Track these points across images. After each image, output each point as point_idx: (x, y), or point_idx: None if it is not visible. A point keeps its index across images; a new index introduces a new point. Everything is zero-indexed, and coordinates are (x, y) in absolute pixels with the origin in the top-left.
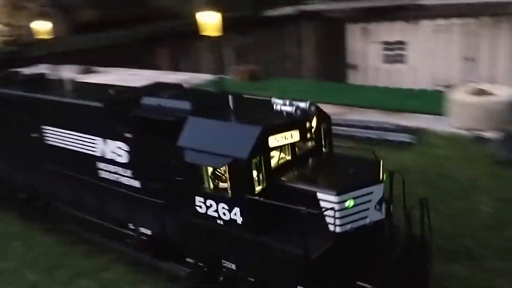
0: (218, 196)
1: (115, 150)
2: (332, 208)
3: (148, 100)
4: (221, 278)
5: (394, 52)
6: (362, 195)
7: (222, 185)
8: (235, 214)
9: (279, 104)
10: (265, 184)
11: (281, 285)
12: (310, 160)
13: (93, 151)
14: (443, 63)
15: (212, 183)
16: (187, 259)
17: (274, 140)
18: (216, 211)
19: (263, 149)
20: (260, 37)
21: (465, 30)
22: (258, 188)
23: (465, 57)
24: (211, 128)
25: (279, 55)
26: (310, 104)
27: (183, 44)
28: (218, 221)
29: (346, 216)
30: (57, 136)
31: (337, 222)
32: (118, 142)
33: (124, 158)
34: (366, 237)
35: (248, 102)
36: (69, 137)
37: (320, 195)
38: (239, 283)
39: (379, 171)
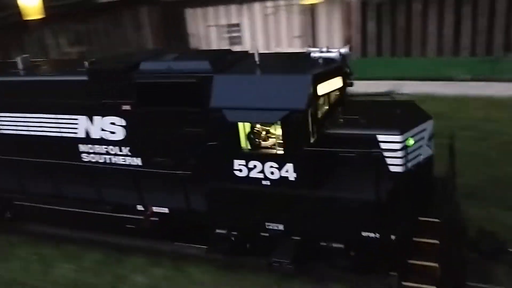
0: (264, 155)
1: (107, 127)
2: (394, 149)
3: (150, 65)
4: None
5: (232, 34)
6: (418, 133)
7: (264, 143)
8: (287, 171)
9: (316, 52)
10: (315, 135)
11: (339, 237)
12: (344, 107)
13: (74, 133)
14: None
15: (251, 143)
16: (217, 231)
17: (322, 88)
18: (262, 171)
19: (314, 99)
20: (99, 24)
21: (292, 10)
22: (312, 140)
23: (295, 35)
24: (247, 84)
25: (119, 41)
26: (350, 49)
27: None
28: (264, 182)
29: (406, 155)
30: (19, 123)
31: (399, 162)
32: (110, 117)
33: (119, 135)
34: (420, 174)
35: (274, 56)
36: (37, 122)
37: (381, 137)
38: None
39: (420, 108)
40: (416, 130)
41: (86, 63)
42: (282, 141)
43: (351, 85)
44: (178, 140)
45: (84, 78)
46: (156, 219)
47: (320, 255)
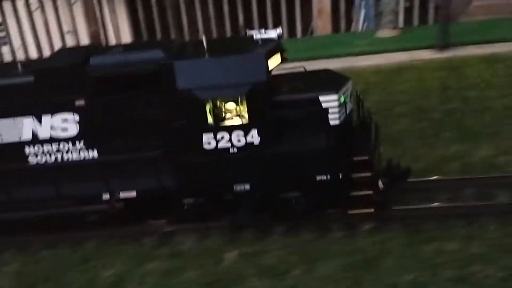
0: (231, 126)
1: (57, 125)
2: (332, 106)
3: (101, 59)
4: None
5: None
6: (345, 91)
7: (229, 116)
8: (252, 137)
9: (258, 34)
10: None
11: (297, 186)
12: (279, 78)
13: (20, 136)
14: (45, 39)
15: (215, 118)
16: (185, 201)
17: (271, 64)
18: (229, 141)
19: (269, 72)
20: None
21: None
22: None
23: (66, 30)
24: (210, 66)
25: None
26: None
27: None
28: (231, 150)
29: (341, 110)
30: None
31: (338, 116)
32: (61, 114)
33: (72, 131)
34: (348, 124)
35: (218, 42)
36: None
37: (322, 98)
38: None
39: (339, 73)
40: (344, 89)
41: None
42: (247, 111)
43: (286, 60)
44: (142, 124)
45: (30, 79)
46: (122, 204)
47: (280, 205)
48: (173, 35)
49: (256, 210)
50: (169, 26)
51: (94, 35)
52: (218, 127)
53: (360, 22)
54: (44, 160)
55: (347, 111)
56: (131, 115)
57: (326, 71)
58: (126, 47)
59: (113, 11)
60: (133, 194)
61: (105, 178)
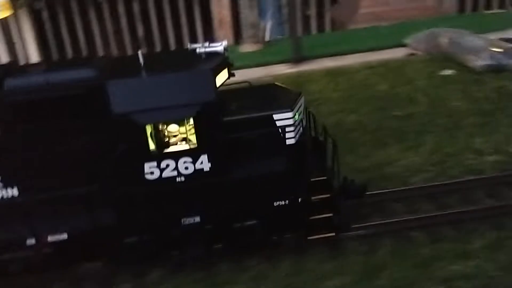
0: (177, 152)
1: None
2: (288, 125)
3: (17, 82)
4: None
5: None
6: (299, 108)
7: (174, 140)
8: (201, 163)
9: (200, 48)
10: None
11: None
12: (227, 95)
13: None
14: None
15: (158, 143)
16: (127, 240)
17: (219, 80)
18: (175, 169)
19: (217, 90)
20: None
21: None
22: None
23: None
24: (149, 85)
25: None
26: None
27: None
28: (178, 179)
29: (296, 128)
30: None
31: (294, 134)
32: None
33: None
34: (304, 141)
35: (155, 57)
36: None
37: (275, 116)
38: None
39: (287, 88)
40: (298, 105)
41: None
42: (195, 134)
43: (233, 75)
44: (71, 155)
45: None
46: (49, 249)
47: (235, 236)
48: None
49: (208, 244)
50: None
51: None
52: (161, 154)
53: (267, 33)
54: None
55: (303, 129)
56: (57, 145)
57: (274, 86)
58: (50, 66)
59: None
60: (64, 236)
61: (29, 220)
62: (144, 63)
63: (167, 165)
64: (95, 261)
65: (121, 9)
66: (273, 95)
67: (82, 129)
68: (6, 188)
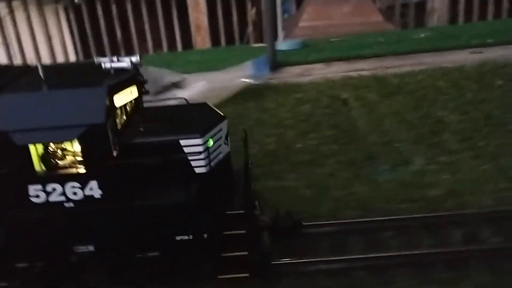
0: (64, 175)
1: None
2: (196, 152)
3: None
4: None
5: None
6: (216, 133)
7: (62, 163)
8: (91, 189)
9: (106, 62)
10: (117, 147)
11: (154, 246)
12: (142, 115)
13: None
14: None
15: (47, 164)
16: (17, 265)
17: (119, 99)
18: (63, 194)
19: (112, 111)
20: None
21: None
22: (114, 153)
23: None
24: (35, 101)
25: None
26: (140, 57)
27: None
28: (67, 205)
29: (208, 155)
30: None
31: (202, 163)
32: None
33: None
34: (222, 170)
35: (61, 69)
36: None
37: (183, 142)
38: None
39: (214, 110)
40: (214, 131)
41: None
42: (82, 159)
43: (147, 93)
44: None
45: None
46: None
47: (138, 266)
48: None
49: (110, 273)
50: None
51: None
52: (46, 177)
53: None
54: None
55: (219, 156)
56: None
57: (202, 106)
58: None
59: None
60: None
61: None
62: (42, 77)
63: (54, 189)
64: None
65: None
66: (191, 117)
67: None
68: None
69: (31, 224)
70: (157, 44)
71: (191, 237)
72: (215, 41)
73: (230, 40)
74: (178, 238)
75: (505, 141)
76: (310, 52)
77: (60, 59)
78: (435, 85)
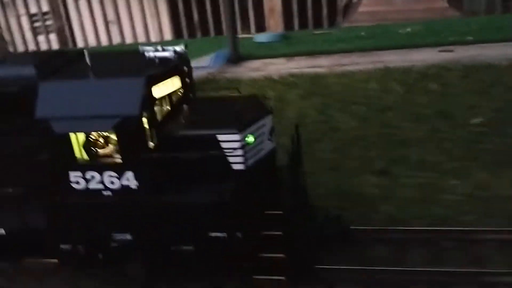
0: (102, 164)
1: None
2: (234, 148)
3: None
4: (105, 256)
5: (46, 23)
6: (258, 129)
7: (102, 152)
8: (128, 180)
9: (150, 51)
10: (156, 139)
11: (188, 240)
12: (188, 107)
13: None
14: (91, 27)
15: (88, 152)
16: (62, 246)
17: (159, 90)
18: (101, 182)
19: (150, 102)
20: None
21: None
22: (150, 145)
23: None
24: (77, 90)
25: None
26: (185, 47)
27: None
28: (105, 193)
29: (248, 152)
30: None
31: (240, 160)
32: None
33: None
34: (263, 168)
35: (107, 57)
36: None
37: (220, 137)
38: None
39: (262, 104)
40: (255, 127)
41: None
42: (119, 149)
43: (191, 82)
44: (10, 153)
45: None
46: None
47: (173, 259)
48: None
49: (147, 262)
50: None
51: None
52: (86, 165)
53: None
54: None
55: (260, 153)
56: None
57: (251, 99)
58: (4, 59)
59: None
60: (1, 231)
61: None
62: (82, 65)
63: (92, 177)
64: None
65: None
66: (235, 111)
67: (13, 129)
68: None
69: (73, 208)
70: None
71: (225, 235)
72: (288, 24)
73: (303, 25)
74: (212, 234)
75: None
76: (286, 45)
77: (155, 38)
78: (363, 87)
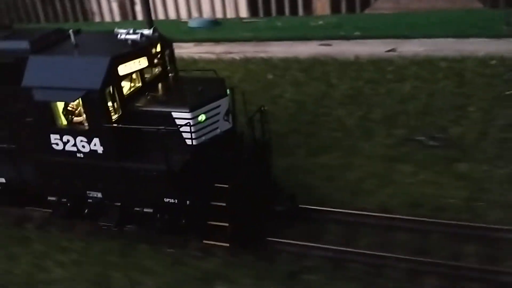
0: (74, 130)
1: None
2: (187, 124)
3: None
4: (86, 210)
5: None
6: (212, 109)
7: (76, 119)
8: (95, 145)
9: (123, 34)
10: (120, 112)
11: (148, 203)
12: (160, 85)
13: None
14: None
15: (66, 118)
16: (49, 198)
17: (124, 68)
18: (75, 145)
19: (114, 79)
20: None
21: None
22: (114, 117)
23: None
24: (57, 64)
25: None
26: (154, 30)
27: None
28: (78, 155)
29: (200, 129)
30: None
31: (193, 136)
32: None
33: None
34: (219, 145)
35: (90, 36)
36: None
37: (175, 114)
38: (107, 210)
39: (223, 87)
40: (208, 107)
41: None
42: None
43: (159, 65)
44: (7, 113)
45: None
46: None
47: (136, 218)
48: None
49: (120, 219)
50: None
51: None
52: (62, 129)
53: None
54: None
55: (215, 132)
56: None
57: (215, 82)
58: (10, 32)
59: None
60: (2, 180)
61: None
62: (73, 43)
63: (68, 140)
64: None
65: None
66: (196, 91)
67: (6, 95)
68: None
69: (54, 166)
70: (280, 8)
71: (176, 201)
72: (335, 7)
73: (351, 8)
74: (166, 200)
75: None
76: (210, 31)
77: (231, 14)
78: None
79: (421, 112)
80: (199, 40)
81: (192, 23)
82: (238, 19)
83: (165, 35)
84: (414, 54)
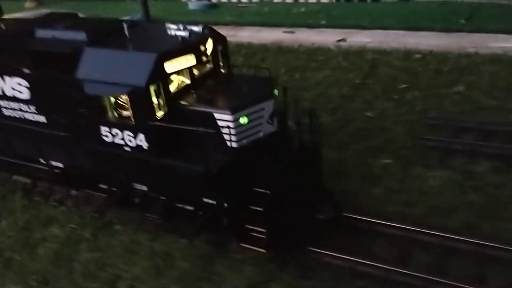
0: (122, 124)
1: (15, 86)
2: (228, 126)
3: (42, 33)
4: (137, 200)
5: None
6: (255, 112)
7: (125, 113)
8: (141, 140)
9: (173, 29)
10: (166, 109)
11: (188, 201)
12: (208, 82)
13: None
14: None
15: (115, 112)
16: (101, 185)
17: (171, 66)
18: (122, 139)
19: (160, 75)
20: None
21: None
22: (159, 114)
23: None
24: (108, 58)
25: None
26: (204, 27)
27: None
28: (125, 148)
29: (241, 132)
30: None
31: (233, 138)
32: (17, 78)
33: (25, 94)
34: (261, 148)
35: (143, 29)
36: None
37: (216, 115)
38: (153, 203)
39: (270, 87)
40: (251, 109)
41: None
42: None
43: (208, 62)
44: (65, 102)
45: None
46: (58, 171)
47: (179, 214)
48: None
49: (166, 212)
50: None
51: None
52: (111, 122)
53: None
54: (10, 114)
55: (258, 135)
56: (55, 92)
57: (265, 81)
58: (72, 21)
59: None
60: (60, 165)
61: (40, 144)
62: (127, 35)
63: (116, 134)
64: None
65: None
66: (242, 91)
67: (64, 84)
68: (39, 115)
69: (104, 156)
70: None
71: (214, 202)
72: None
73: None
74: (205, 200)
75: None
76: (206, 14)
77: None
78: None
79: (310, 100)
80: (191, 22)
81: (192, 6)
82: (235, 3)
83: (209, 26)
84: (361, 45)
